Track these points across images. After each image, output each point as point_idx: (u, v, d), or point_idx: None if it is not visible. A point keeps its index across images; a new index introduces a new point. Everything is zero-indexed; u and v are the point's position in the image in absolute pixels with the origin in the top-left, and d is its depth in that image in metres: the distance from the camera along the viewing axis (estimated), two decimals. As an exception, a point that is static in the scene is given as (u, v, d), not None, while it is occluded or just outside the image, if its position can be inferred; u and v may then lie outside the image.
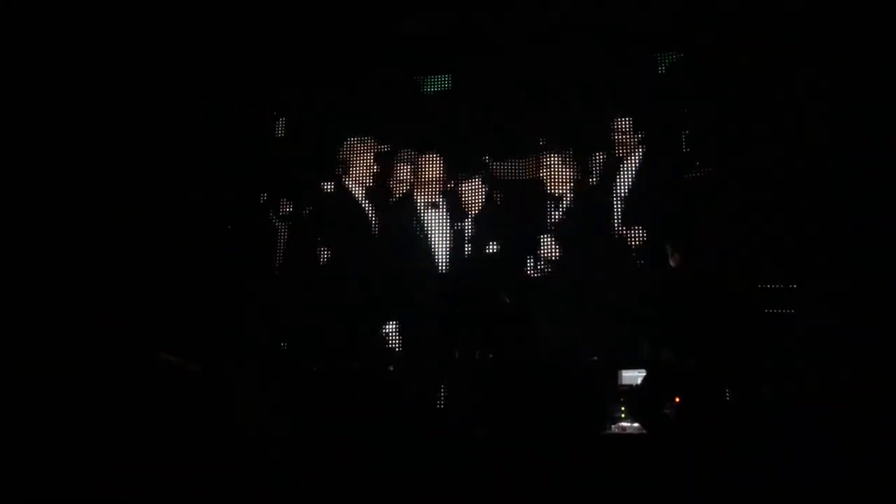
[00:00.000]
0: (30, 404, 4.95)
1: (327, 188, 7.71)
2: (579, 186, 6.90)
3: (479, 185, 7.22)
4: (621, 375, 5.54)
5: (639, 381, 4.97)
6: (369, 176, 7.58)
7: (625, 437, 5.29)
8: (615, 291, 6.61)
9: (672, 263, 4.43)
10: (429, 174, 7.38)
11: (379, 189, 7.57)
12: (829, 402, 4.68)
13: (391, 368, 6.32)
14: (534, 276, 6.93)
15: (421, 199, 7.62)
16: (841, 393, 4.83)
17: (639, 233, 6.69)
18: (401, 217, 7.44)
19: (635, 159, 6.90)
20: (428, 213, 7.38)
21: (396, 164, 7.54)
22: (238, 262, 7.54)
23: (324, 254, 7.50)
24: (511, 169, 7.23)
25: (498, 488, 4.08)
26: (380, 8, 7.13)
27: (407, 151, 7.54)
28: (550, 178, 7.00)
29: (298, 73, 7.55)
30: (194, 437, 4.79)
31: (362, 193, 7.67)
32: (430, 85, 7.65)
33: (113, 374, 5.35)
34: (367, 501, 4.11)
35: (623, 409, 5.35)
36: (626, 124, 6.93)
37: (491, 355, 5.94)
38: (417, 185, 7.54)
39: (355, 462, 4.84)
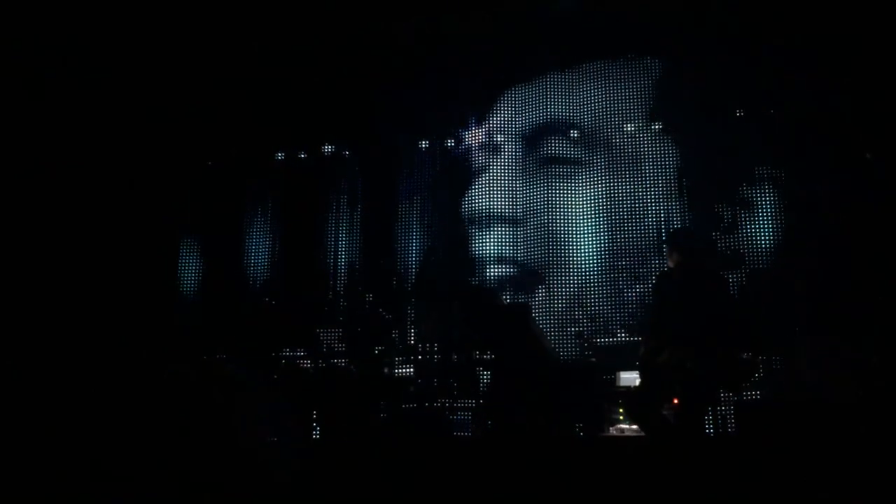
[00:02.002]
0: (30, 405, 4.97)
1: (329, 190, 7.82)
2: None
3: (482, 185, 7.32)
4: (619, 377, 5.55)
5: (637, 382, 4.98)
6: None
7: (623, 439, 5.31)
8: (615, 292, 6.66)
9: (671, 263, 4.41)
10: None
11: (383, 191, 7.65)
12: (828, 402, 4.68)
13: (386, 370, 6.32)
14: (534, 277, 6.97)
15: (422, 199, 7.79)
16: (839, 393, 4.85)
17: (638, 233, 6.77)
18: (401, 219, 7.51)
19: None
20: (427, 213, 7.45)
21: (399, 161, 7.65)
22: (239, 262, 7.61)
23: (323, 255, 7.60)
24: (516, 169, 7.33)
25: (495, 488, 4.08)
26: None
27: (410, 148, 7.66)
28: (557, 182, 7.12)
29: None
30: (195, 439, 4.80)
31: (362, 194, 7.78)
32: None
33: (114, 378, 5.37)
34: (363, 500, 4.11)
35: (621, 410, 5.37)
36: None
37: (488, 356, 5.94)
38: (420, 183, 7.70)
39: (352, 460, 4.86)
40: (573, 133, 7.17)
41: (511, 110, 7.48)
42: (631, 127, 6.96)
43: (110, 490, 3.80)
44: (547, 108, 7.33)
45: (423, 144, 7.64)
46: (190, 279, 7.64)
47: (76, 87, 6.44)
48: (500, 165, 7.33)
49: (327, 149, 7.87)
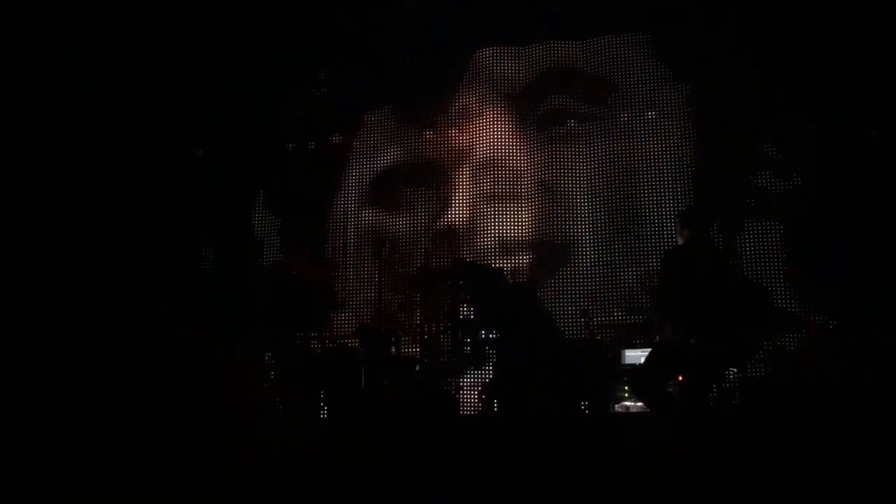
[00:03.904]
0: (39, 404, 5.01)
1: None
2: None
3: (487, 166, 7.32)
4: (624, 355, 5.59)
5: (642, 360, 5.01)
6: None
7: (628, 415, 5.35)
8: (620, 271, 6.68)
9: (680, 240, 4.42)
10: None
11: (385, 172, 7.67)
12: (832, 382, 4.70)
13: (393, 350, 6.36)
14: (538, 258, 7.00)
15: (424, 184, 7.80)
16: (843, 373, 4.86)
17: (643, 212, 6.77)
18: (405, 200, 7.53)
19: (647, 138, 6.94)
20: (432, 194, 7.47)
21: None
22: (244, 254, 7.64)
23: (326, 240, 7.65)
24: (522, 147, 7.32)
25: (501, 465, 4.12)
26: None
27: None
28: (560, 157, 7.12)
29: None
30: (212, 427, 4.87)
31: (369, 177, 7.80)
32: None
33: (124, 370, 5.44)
34: (370, 477, 4.16)
35: (626, 388, 5.41)
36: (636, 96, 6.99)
37: (494, 335, 5.96)
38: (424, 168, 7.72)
39: (358, 439, 4.91)
40: (570, 122, 7.17)
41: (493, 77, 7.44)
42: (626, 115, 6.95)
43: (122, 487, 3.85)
44: (537, 83, 7.31)
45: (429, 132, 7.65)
46: (195, 270, 7.66)
47: (72, 83, 6.41)
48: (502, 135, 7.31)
49: (337, 140, 7.88)
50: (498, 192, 7.18)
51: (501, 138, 7.28)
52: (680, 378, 4.22)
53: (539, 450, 4.28)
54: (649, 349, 4.54)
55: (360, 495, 3.69)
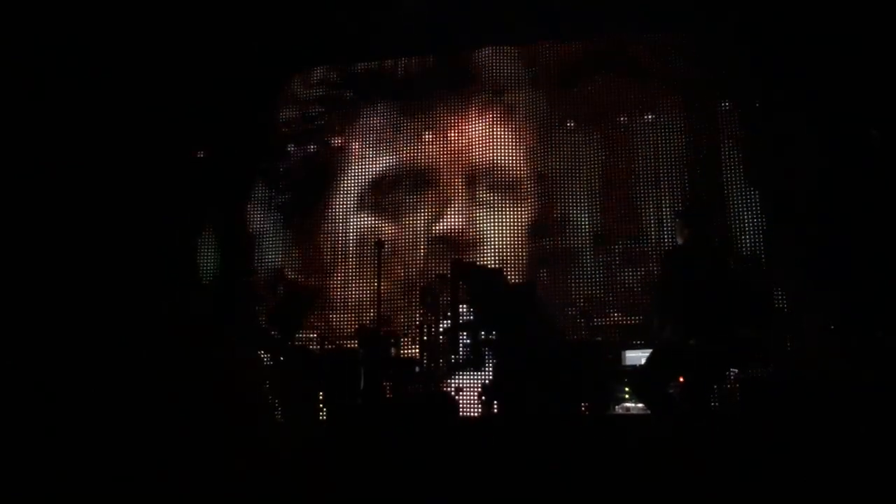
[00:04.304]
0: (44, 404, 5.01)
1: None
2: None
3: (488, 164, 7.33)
4: (625, 356, 5.58)
5: (642, 361, 5.01)
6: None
7: (628, 416, 5.34)
8: (620, 271, 6.68)
9: (680, 240, 4.42)
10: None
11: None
12: (832, 382, 4.70)
13: (393, 350, 6.36)
14: (538, 259, 6.99)
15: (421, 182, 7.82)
16: (843, 373, 4.86)
17: (644, 212, 6.77)
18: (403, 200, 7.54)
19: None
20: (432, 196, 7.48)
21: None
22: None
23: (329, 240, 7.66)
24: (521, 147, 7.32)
25: (501, 467, 4.12)
26: None
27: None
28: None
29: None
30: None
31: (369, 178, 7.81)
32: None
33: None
34: (376, 477, 4.16)
35: (627, 389, 5.41)
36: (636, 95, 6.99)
37: (493, 335, 5.96)
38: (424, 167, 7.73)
39: (358, 440, 4.90)
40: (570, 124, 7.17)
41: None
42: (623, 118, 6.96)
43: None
44: (537, 83, 7.32)
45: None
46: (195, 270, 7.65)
47: (71, 83, 6.39)
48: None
49: (336, 141, 7.89)
50: (497, 192, 7.18)
51: (500, 138, 7.28)
52: (681, 379, 4.22)
53: (539, 450, 4.27)
54: (650, 350, 4.54)
55: (360, 496, 3.69)
